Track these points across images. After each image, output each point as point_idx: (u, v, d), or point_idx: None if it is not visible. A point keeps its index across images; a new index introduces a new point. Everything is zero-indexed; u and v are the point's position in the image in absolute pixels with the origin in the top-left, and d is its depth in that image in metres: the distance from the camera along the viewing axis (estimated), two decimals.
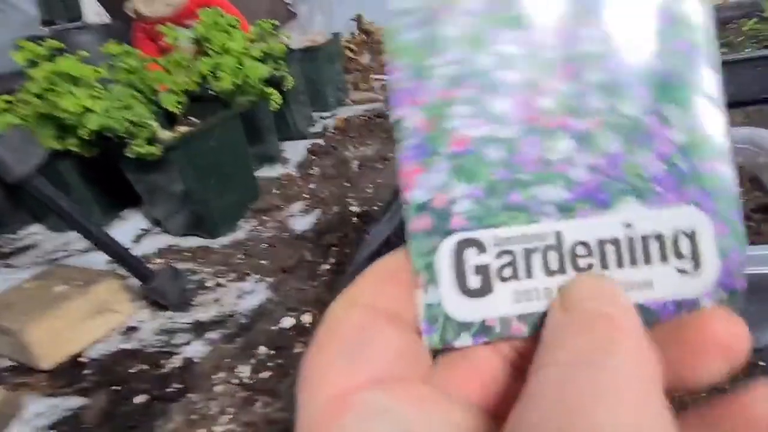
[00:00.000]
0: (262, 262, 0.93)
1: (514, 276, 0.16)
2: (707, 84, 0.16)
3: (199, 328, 0.78)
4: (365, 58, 2.02)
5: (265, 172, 1.29)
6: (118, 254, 0.74)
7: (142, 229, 1.12)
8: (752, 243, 0.52)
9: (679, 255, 0.16)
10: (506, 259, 0.16)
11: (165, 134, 0.97)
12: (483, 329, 0.16)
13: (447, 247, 0.16)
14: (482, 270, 0.16)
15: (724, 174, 0.16)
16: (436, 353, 0.17)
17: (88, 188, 1.08)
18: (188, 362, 0.71)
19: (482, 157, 0.16)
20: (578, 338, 0.14)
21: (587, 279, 0.16)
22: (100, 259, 1.02)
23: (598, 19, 0.17)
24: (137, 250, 1.01)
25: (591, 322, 0.14)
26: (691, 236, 0.16)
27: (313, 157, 1.35)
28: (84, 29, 1.33)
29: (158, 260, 0.98)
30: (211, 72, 1.05)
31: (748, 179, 0.66)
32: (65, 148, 0.93)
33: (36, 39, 0.93)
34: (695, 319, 0.15)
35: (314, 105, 1.63)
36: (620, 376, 0.13)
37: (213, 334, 0.76)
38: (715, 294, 0.15)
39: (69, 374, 0.73)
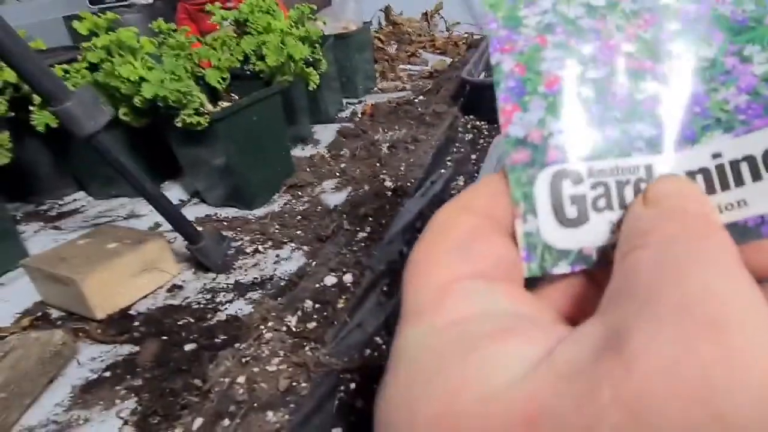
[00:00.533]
0: (298, 232, 0.97)
1: (609, 206, 0.16)
2: None
3: (241, 288, 0.83)
4: (392, 49, 2.06)
5: (297, 152, 1.34)
6: (171, 213, 0.79)
7: (181, 200, 1.17)
8: None
9: None
10: (600, 190, 0.16)
11: (211, 107, 1.01)
12: (580, 257, 0.16)
13: (544, 178, 0.17)
14: (578, 200, 0.16)
15: None
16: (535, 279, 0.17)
17: (134, 158, 1.13)
18: (233, 317, 0.76)
19: (574, 96, 0.17)
20: (669, 225, 0.14)
21: (671, 179, 0.16)
22: (142, 225, 1.07)
23: None
24: None
25: (681, 214, 0.15)
26: None
27: (343, 139, 1.38)
28: (131, 8, 1.38)
29: (198, 228, 1.03)
30: (254, 51, 1.09)
31: None
32: (116, 117, 0.98)
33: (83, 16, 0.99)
34: None
35: (344, 91, 1.67)
36: (715, 252, 0.13)
37: (255, 294, 0.81)
38: None
39: (120, 324, 0.78)
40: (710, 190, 0.16)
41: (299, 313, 0.64)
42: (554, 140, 0.17)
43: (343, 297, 0.67)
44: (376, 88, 1.79)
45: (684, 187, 0.16)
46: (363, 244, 0.78)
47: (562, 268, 0.16)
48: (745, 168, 0.16)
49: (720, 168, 0.16)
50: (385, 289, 0.70)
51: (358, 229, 0.83)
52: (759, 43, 0.16)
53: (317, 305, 0.65)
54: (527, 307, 0.16)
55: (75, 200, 1.23)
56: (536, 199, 0.16)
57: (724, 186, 0.16)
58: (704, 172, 0.16)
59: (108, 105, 0.66)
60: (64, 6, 1.44)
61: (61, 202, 1.22)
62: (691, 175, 0.16)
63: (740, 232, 0.16)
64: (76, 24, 0.87)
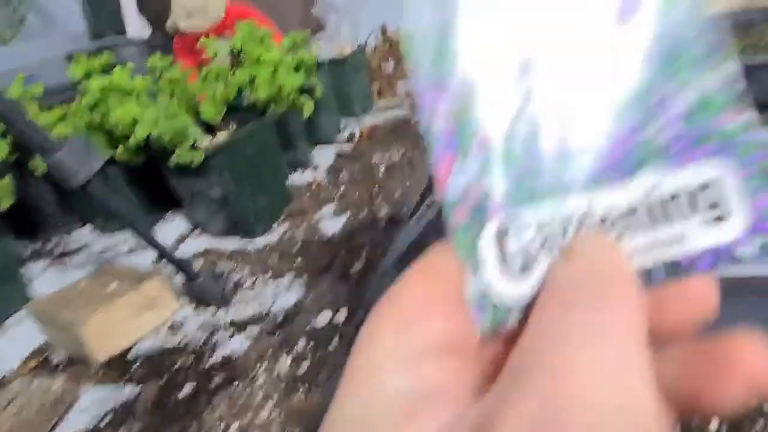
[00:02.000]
0: (297, 261, 0.97)
1: (552, 253, 0.17)
2: (710, 44, 0.16)
3: (239, 324, 0.83)
4: (390, 66, 2.07)
5: (296, 177, 1.34)
6: (166, 254, 0.80)
7: (183, 233, 1.18)
8: None
9: (706, 206, 0.16)
10: (542, 237, 0.17)
11: (205, 142, 1.03)
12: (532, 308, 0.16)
13: (487, 234, 0.17)
14: (523, 251, 0.17)
15: (741, 120, 0.16)
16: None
17: (133, 193, 1.15)
18: (230, 356, 0.76)
19: (508, 148, 0.17)
20: (575, 284, 0.14)
21: (590, 235, 0.16)
22: (144, 259, 1.09)
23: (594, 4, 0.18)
24: (181, 251, 1.07)
25: (589, 277, 0.15)
26: (716, 186, 0.16)
27: (342, 162, 1.39)
28: (129, 42, 1.41)
29: (200, 260, 1.04)
30: (248, 83, 1.10)
31: None
32: (113, 155, 1.00)
33: (85, 52, 1.01)
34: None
35: (341, 112, 1.68)
36: (610, 329, 0.13)
37: (253, 330, 0.81)
38: (748, 239, 0.16)
39: (121, 366, 0.79)
40: (649, 224, 0.16)
41: (293, 353, 0.64)
42: (492, 194, 0.17)
43: (336, 336, 0.66)
44: (373, 107, 1.80)
45: (598, 246, 0.16)
46: (358, 276, 0.78)
47: (514, 320, 0.17)
48: (681, 202, 0.16)
49: (656, 202, 0.16)
50: None
51: (354, 260, 0.83)
52: (689, 67, 0.17)
53: (311, 343, 0.65)
54: (449, 380, 0.15)
55: (81, 235, 1.25)
56: (482, 256, 0.17)
57: (661, 220, 0.16)
58: (642, 205, 0.17)
59: (102, 150, 0.67)
60: (66, 42, 1.48)
61: (67, 237, 1.24)
62: (631, 209, 0.16)
63: (672, 270, 0.16)
64: (72, 68, 0.89)
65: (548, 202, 0.17)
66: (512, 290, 0.17)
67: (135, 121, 0.87)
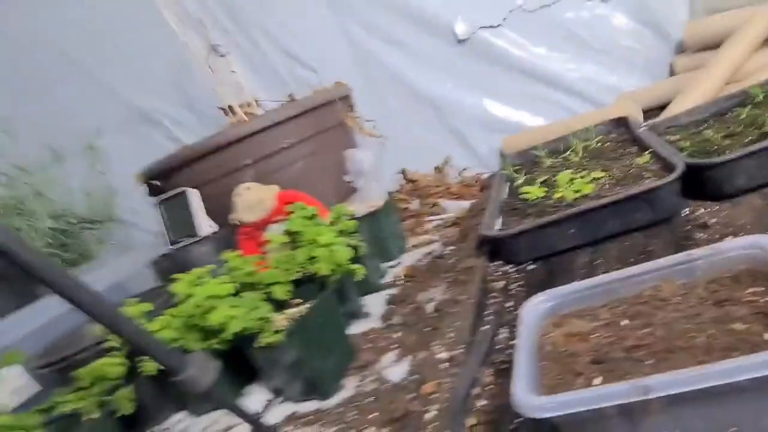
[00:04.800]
0: (373, 415, 1.08)
1: None
2: None
3: None
4: (415, 204, 2.33)
5: (353, 329, 1.50)
6: (258, 424, 0.94)
7: (267, 400, 1.32)
8: None
9: None
10: None
11: (280, 319, 1.22)
12: None
13: None
14: None
15: None
16: None
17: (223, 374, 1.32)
18: None
19: None
20: None
21: None
22: None
23: None
24: (268, 418, 1.20)
25: None
26: None
27: (393, 306, 1.55)
28: (200, 242, 1.71)
29: (287, 428, 1.17)
30: (308, 260, 1.33)
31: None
32: (209, 347, 1.19)
33: (165, 256, 1.26)
34: None
35: (381, 257, 1.89)
36: None
37: None
38: None
39: None
40: None
41: None
42: None
43: None
44: (409, 246, 2.01)
45: None
46: (431, 426, 0.89)
47: None
48: None
49: None
50: None
51: (425, 408, 0.95)
52: None
53: None
54: None
55: (179, 421, 1.40)
56: None
57: None
58: None
59: (215, 361, 0.86)
60: (147, 255, 1.79)
61: (165, 426, 1.40)
62: None
63: None
64: (174, 287, 1.13)
65: None
66: None
67: (229, 318, 1.08)
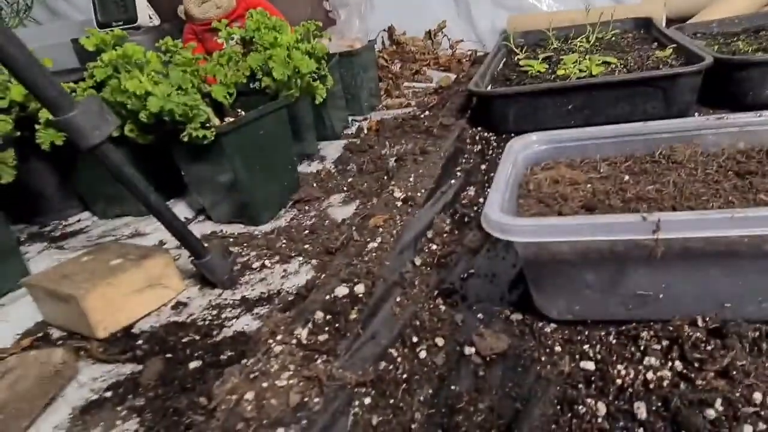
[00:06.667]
0: (306, 246, 0.94)
1: None
2: None
3: (248, 303, 0.80)
4: (396, 67, 2.07)
5: (303, 168, 1.32)
6: (176, 227, 0.77)
7: (186, 218, 1.15)
8: None
9: None
10: None
11: (217, 121, 1.00)
12: None
13: None
14: None
15: None
16: None
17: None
18: (239, 333, 0.73)
19: None
20: None
21: None
22: (146, 244, 1.05)
23: None
24: None
25: None
26: None
27: (350, 155, 1.37)
28: (138, 30, 1.40)
29: (204, 244, 1.01)
30: (261, 66, 1.09)
31: None
32: (121, 134, 0.97)
33: None
34: None
35: (349, 108, 1.67)
36: None
37: (262, 309, 0.78)
38: None
39: (123, 343, 0.75)
40: None
41: (310, 325, 0.61)
42: None
43: (355, 308, 0.64)
44: (381, 105, 1.79)
45: None
46: (374, 254, 0.75)
47: None
48: None
49: None
50: (398, 299, 0.67)
51: (368, 240, 0.81)
52: None
53: (328, 317, 0.62)
54: None
55: (79, 220, 1.21)
56: None
57: None
58: None
59: (113, 115, 0.65)
60: (72, 30, 1.46)
61: (65, 223, 1.21)
62: None
63: None
64: (83, 40, 0.87)
65: None
66: None
67: (147, 95, 0.85)
